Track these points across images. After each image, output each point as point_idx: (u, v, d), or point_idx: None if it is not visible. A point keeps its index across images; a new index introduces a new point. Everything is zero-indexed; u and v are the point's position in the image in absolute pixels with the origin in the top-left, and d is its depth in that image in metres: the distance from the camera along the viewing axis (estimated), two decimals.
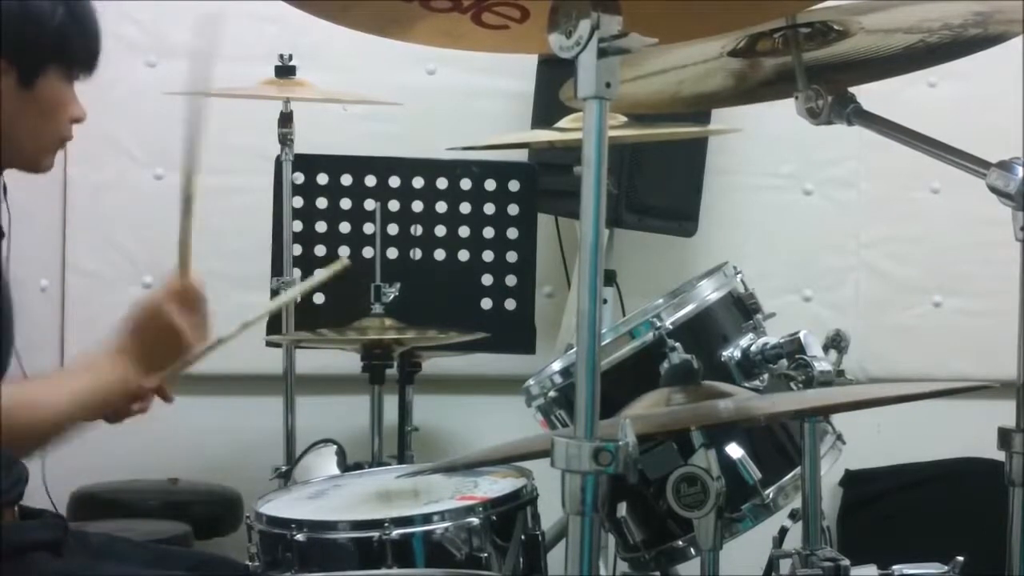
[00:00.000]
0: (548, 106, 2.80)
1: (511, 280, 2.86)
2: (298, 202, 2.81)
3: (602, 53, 1.15)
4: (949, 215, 3.41)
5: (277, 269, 2.77)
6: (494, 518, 1.81)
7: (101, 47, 1.79)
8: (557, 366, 2.05)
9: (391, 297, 2.58)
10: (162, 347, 1.70)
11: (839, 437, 2.01)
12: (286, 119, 2.73)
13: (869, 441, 3.10)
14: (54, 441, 1.65)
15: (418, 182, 2.85)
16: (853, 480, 3.40)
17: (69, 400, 1.65)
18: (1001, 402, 1.61)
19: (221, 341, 1.82)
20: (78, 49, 1.76)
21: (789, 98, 1.78)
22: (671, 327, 1.93)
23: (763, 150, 3.40)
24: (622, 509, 1.86)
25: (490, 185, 2.86)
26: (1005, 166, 1.49)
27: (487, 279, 2.86)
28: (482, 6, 1.35)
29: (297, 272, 2.77)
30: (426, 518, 1.78)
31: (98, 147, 3.20)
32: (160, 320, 1.70)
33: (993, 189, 1.49)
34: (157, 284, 3.23)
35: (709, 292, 2.02)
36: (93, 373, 1.68)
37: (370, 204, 2.79)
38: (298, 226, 2.81)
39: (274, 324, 2.76)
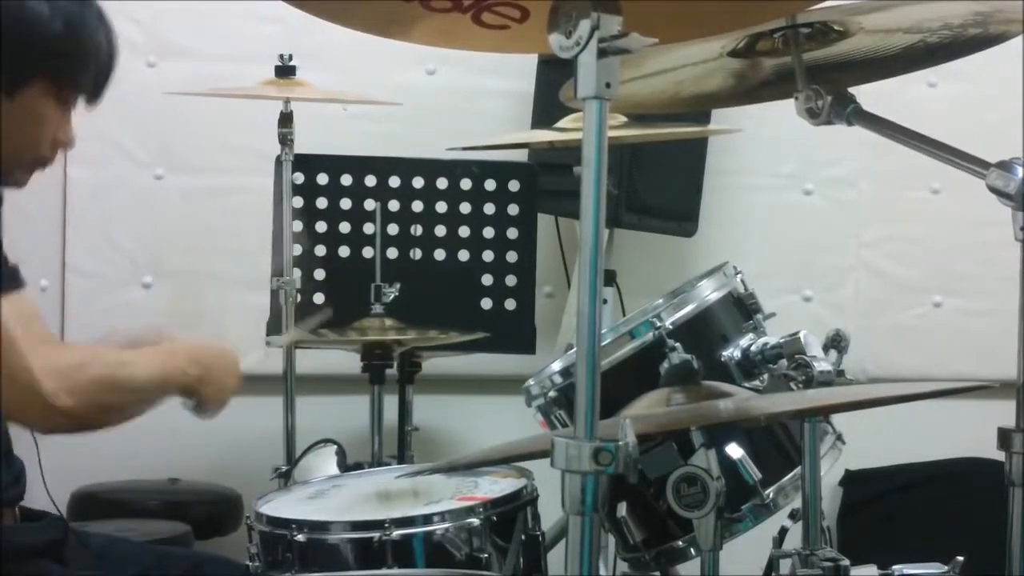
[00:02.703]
0: (548, 106, 2.79)
1: (511, 280, 2.86)
2: (298, 202, 2.81)
3: (602, 53, 1.15)
4: (949, 215, 3.41)
5: (277, 269, 2.77)
6: (494, 518, 1.81)
7: (109, 74, 1.71)
8: (557, 366, 2.05)
9: (391, 297, 2.58)
10: (218, 379, 1.75)
11: (839, 437, 2.01)
12: (286, 119, 2.73)
13: (869, 441, 3.10)
14: (133, 409, 1.66)
15: (418, 182, 2.85)
16: (853, 480, 3.39)
17: (160, 372, 1.68)
18: (1001, 402, 1.61)
19: None
20: (72, 69, 1.66)
21: (789, 98, 1.78)
22: (671, 327, 1.93)
23: (763, 150, 3.40)
24: (622, 509, 1.86)
25: (490, 185, 2.86)
26: (1005, 166, 1.48)
27: (487, 279, 2.86)
28: (482, 6, 1.35)
29: (297, 272, 2.77)
30: (426, 518, 1.78)
31: (98, 147, 3.20)
32: (229, 361, 1.77)
33: (993, 189, 1.49)
34: (157, 284, 3.28)
35: (709, 292, 2.02)
36: (177, 361, 1.71)
37: (370, 204, 2.79)
38: (298, 226, 2.81)
39: (274, 324, 2.77)
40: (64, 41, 1.63)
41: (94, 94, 1.71)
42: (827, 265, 3.48)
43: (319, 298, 2.82)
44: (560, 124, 2.49)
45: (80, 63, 1.67)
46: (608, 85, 1.16)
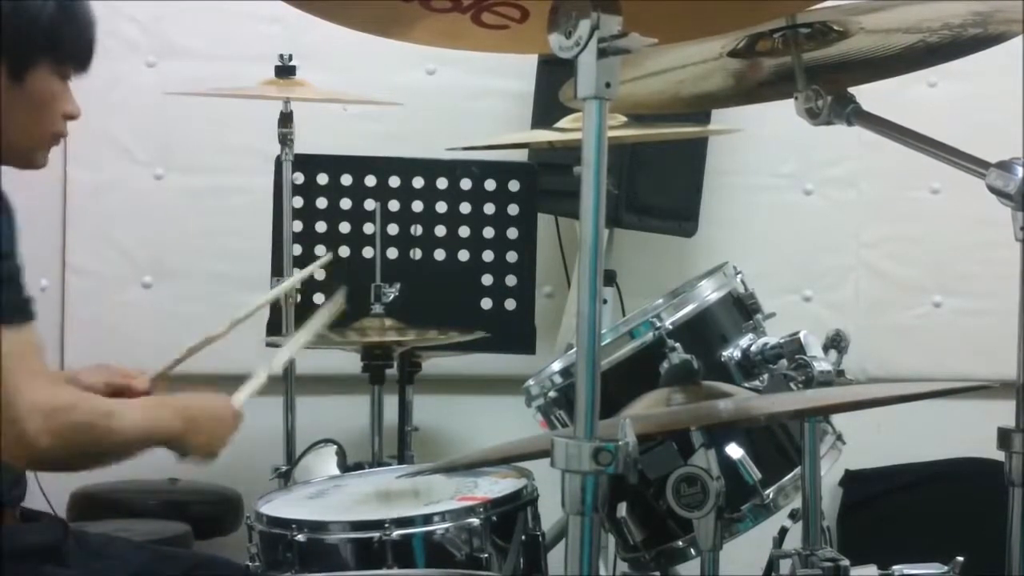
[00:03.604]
0: (548, 106, 2.80)
1: (511, 280, 2.86)
2: (298, 202, 2.81)
3: (602, 53, 1.15)
4: (949, 215, 3.41)
5: (277, 269, 2.77)
6: (494, 518, 1.81)
7: (95, 43, 1.77)
8: (557, 366, 2.05)
9: (391, 297, 2.58)
10: (206, 432, 1.76)
11: (839, 437, 2.01)
12: (286, 119, 2.73)
13: (869, 441, 3.10)
14: (113, 458, 1.66)
15: (418, 182, 2.85)
16: (853, 480, 3.39)
17: (144, 424, 1.67)
18: (1001, 402, 1.61)
19: (211, 340, 1.92)
20: (69, 44, 1.73)
21: (789, 98, 1.78)
22: (671, 327, 1.93)
23: (763, 150, 3.40)
24: (622, 509, 1.86)
25: (490, 185, 2.86)
26: (1005, 166, 1.48)
27: (487, 279, 2.86)
28: (482, 6, 1.35)
29: (297, 272, 2.77)
30: (426, 518, 1.78)
31: (98, 147, 3.20)
32: (220, 413, 1.78)
33: (993, 189, 1.49)
34: (157, 284, 3.27)
35: (709, 292, 2.02)
36: (163, 414, 1.72)
37: (370, 204, 2.79)
38: (298, 226, 2.81)
39: (274, 324, 2.77)
40: (59, 22, 1.70)
41: (85, 64, 1.77)
42: (827, 265, 3.48)
43: (319, 298, 2.82)
44: (560, 124, 2.49)
45: (75, 38, 1.74)
46: (608, 85, 1.16)
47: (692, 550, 1.90)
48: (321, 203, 2.84)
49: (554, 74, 2.88)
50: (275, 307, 2.77)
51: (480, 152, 2.85)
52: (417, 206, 2.86)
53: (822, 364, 1.81)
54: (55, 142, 1.79)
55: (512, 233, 2.86)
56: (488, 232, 2.86)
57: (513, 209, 2.86)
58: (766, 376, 1.96)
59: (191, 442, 1.73)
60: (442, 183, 2.86)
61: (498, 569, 1.80)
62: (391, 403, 2.72)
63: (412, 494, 2.00)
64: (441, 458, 2.51)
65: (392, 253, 2.82)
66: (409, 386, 2.78)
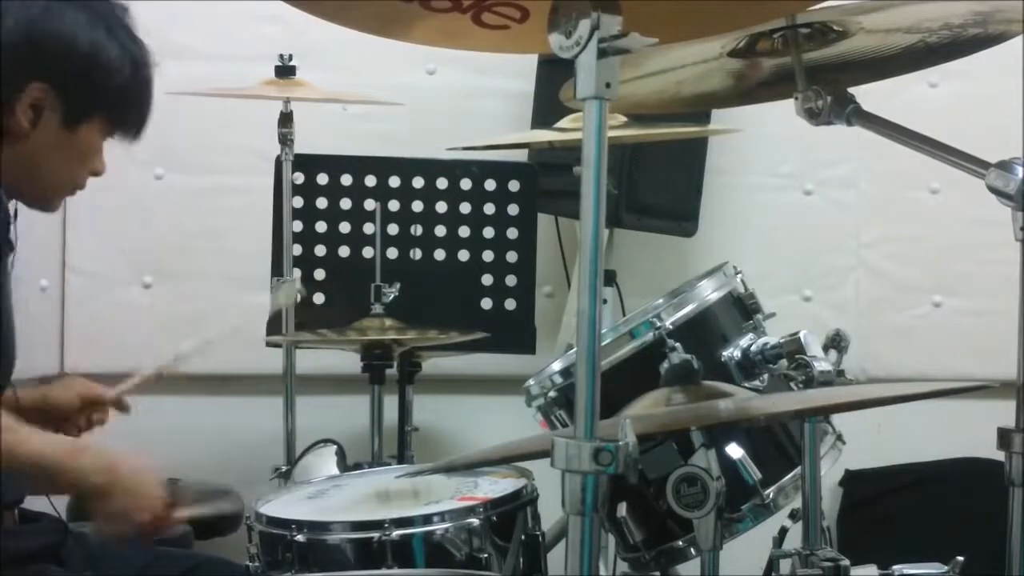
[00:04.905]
0: (548, 106, 2.79)
1: (511, 280, 2.87)
2: (298, 202, 2.81)
3: (602, 53, 1.15)
4: (949, 215, 3.41)
5: (277, 269, 2.77)
6: (494, 518, 1.81)
7: (149, 113, 1.80)
8: (557, 366, 2.05)
9: (391, 297, 2.58)
10: (125, 501, 1.66)
11: (839, 437, 2.01)
12: (286, 119, 2.73)
13: (869, 441, 3.10)
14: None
15: (418, 182, 2.86)
16: (853, 480, 3.39)
17: (45, 457, 1.62)
18: (1001, 402, 1.61)
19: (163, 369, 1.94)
20: (130, 111, 1.77)
21: (789, 98, 1.78)
22: (671, 327, 1.93)
23: (763, 150, 3.40)
24: (622, 509, 1.86)
25: (490, 185, 2.86)
26: (1005, 166, 1.49)
27: (487, 279, 2.87)
28: (482, 6, 1.35)
29: (297, 272, 2.77)
30: (426, 519, 1.78)
31: None
32: (146, 486, 1.68)
33: (992, 189, 1.50)
34: (157, 284, 3.27)
35: (709, 292, 2.02)
36: (81, 460, 1.65)
37: (370, 204, 2.79)
38: (298, 226, 2.81)
39: (274, 324, 2.77)
40: (130, 88, 1.74)
41: (136, 132, 1.81)
42: (827, 265, 3.48)
43: (319, 298, 2.82)
44: (560, 124, 2.49)
45: (137, 106, 1.78)
46: (608, 85, 1.16)
47: (692, 550, 1.89)
48: (321, 203, 2.84)
49: (554, 74, 2.88)
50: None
51: (480, 152, 2.85)
52: (417, 206, 2.86)
53: (822, 364, 1.81)
54: (72, 192, 1.82)
55: (512, 233, 2.87)
56: (488, 232, 2.86)
57: (513, 209, 2.86)
58: (766, 376, 1.97)
59: (107, 504, 1.64)
60: (442, 183, 2.86)
61: (498, 569, 1.80)
62: (391, 403, 2.72)
63: (412, 494, 2.00)
64: (441, 458, 2.51)
65: (392, 253, 2.82)
66: (409, 386, 2.78)
